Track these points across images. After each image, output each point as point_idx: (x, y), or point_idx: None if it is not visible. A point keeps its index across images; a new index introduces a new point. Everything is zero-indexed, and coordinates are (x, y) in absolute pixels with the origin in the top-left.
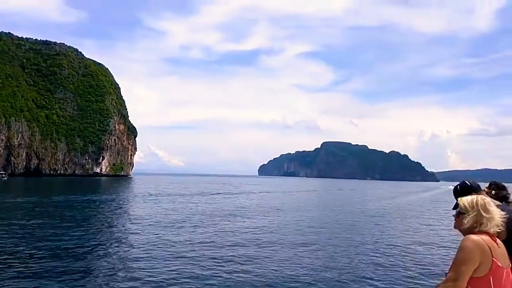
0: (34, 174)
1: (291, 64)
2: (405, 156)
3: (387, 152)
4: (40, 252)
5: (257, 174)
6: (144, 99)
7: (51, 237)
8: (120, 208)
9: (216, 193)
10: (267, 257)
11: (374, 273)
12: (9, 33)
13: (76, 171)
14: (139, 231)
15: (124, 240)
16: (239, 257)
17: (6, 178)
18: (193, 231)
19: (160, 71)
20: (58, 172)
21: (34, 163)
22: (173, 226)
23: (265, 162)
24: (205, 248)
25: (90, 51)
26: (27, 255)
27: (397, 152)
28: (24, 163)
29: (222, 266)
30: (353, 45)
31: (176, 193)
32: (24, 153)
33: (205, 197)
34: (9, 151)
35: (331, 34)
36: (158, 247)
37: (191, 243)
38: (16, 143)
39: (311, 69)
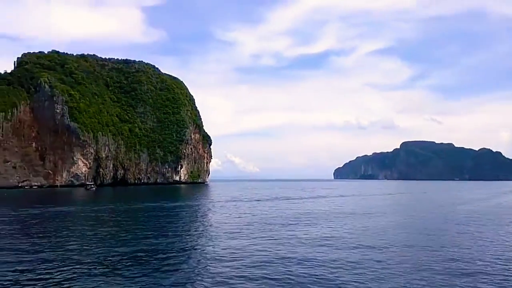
0: (121, 184)
1: (363, 63)
2: (498, 153)
3: (477, 149)
4: (130, 254)
5: (332, 177)
6: (219, 108)
7: (143, 240)
8: (200, 213)
9: (292, 198)
10: (352, 262)
11: None
12: (94, 55)
13: (158, 180)
14: (220, 235)
15: (207, 243)
16: (323, 262)
17: (94, 188)
18: (271, 235)
19: (233, 80)
20: (142, 181)
21: (120, 173)
22: (252, 230)
23: (340, 165)
24: (284, 250)
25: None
26: (121, 255)
27: (489, 149)
28: (112, 173)
29: (302, 269)
30: (430, 37)
31: (251, 198)
32: (111, 164)
33: (280, 202)
34: (98, 163)
35: (405, 28)
36: (240, 251)
37: (270, 247)
38: (103, 155)
39: (385, 66)
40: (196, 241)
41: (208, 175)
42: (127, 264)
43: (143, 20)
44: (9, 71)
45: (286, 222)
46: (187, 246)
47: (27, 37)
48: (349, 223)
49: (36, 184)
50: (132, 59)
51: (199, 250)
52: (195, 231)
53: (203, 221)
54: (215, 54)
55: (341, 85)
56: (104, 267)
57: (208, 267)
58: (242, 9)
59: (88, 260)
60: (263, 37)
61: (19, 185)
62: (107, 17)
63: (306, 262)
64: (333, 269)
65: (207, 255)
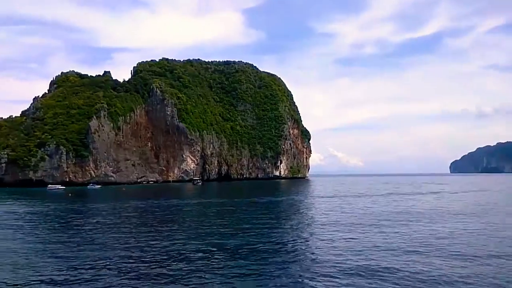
0: (225, 179)
1: (482, 42)
2: None
3: None
4: (239, 245)
5: (449, 171)
6: (320, 102)
7: (248, 232)
8: (302, 207)
9: (398, 193)
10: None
11: None
12: (198, 59)
13: (259, 175)
14: (322, 231)
15: (308, 239)
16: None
17: (200, 183)
18: (375, 233)
19: (333, 73)
20: (244, 176)
21: (224, 169)
22: (354, 226)
23: (458, 158)
24: (385, 252)
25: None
26: (232, 246)
27: None
28: (216, 169)
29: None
30: None
31: (353, 193)
32: (216, 161)
33: (386, 198)
34: (204, 160)
35: None
36: (343, 248)
37: (375, 245)
38: (209, 152)
39: (509, 45)
40: (301, 235)
41: (308, 170)
42: (240, 253)
43: (243, 22)
44: (127, 79)
45: (383, 220)
46: (290, 240)
47: (142, 47)
48: (468, 223)
49: (152, 179)
50: (232, 60)
51: (304, 245)
52: (299, 225)
53: (307, 216)
54: (314, 48)
55: (457, 69)
56: (222, 256)
57: (315, 263)
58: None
59: (203, 250)
60: (365, 25)
61: (138, 180)
62: (210, 23)
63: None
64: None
65: (315, 250)
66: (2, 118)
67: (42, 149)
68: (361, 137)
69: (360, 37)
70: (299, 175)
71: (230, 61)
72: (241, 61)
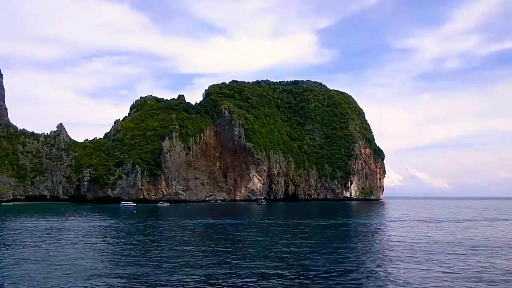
0: (292, 199)
1: None
2: None
3: None
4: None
5: None
6: (399, 120)
7: (312, 255)
8: (375, 232)
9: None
10: None
11: None
12: (266, 80)
13: (328, 196)
14: (399, 258)
15: (383, 266)
16: None
17: (264, 203)
18: (459, 263)
19: (412, 89)
20: (312, 196)
21: (291, 189)
22: (436, 254)
23: None
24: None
25: (341, 84)
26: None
27: None
28: (283, 189)
29: None
30: None
31: (436, 218)
32: (282, 180)
33: (479, 224)
34: (271, 179)
35: None
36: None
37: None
38: (275, 172)
39: None
40: (373, 261)
41: (382, 192)
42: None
43: (317, 42)
44: (198, 102)
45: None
46: (360, 265)
47: (218, 72)
48: None
49: (220, 198)
50: (300, 79)
51: (375, 271)
52: (371, 251)
53: (378, 240)
54: (391, 65)
55: None
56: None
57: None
58: (419, 14)
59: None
60: (447, 39)
61: (206, 199)
62: (283, 45)
63: None
64: None
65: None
66: (88, 139)
67: (120, 168)
68: (446, 157)
69: (442, 51)
70: (372, 197)
71: (298, 80)
72: (309, 80)
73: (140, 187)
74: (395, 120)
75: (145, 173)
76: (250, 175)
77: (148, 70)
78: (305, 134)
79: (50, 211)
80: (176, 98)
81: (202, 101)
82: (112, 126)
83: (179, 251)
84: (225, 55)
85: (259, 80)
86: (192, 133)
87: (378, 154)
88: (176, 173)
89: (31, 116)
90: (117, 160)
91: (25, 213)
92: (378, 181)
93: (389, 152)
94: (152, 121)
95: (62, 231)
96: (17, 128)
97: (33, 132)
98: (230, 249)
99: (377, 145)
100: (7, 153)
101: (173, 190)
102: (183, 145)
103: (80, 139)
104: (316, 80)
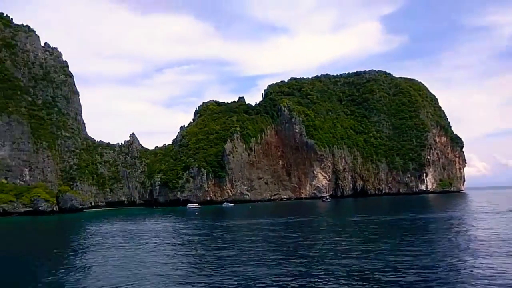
0: (361, 195)
1: None
2: None
3: None
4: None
5: None
6: (481, 104)
7: (391, 254)
8: (458, 225)
9: None
10: None
11: None
12: (326, 74)
13: (400, 190)
14: (485, 253)
15: (467, 261)
16: None
17: (329, 200)
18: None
19: (494, 69)
20: (383, 191)
21: (359, 185)
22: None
23: None
24: None
25: (412, 70)
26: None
27: None
28: (350, 185)
29: None
30: None
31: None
32: (349, 176)
33: None
34: (336, 175)
35: None
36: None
37: None
38: (341, 167)
39: None
40: (456, 256)
41: (463, 182)
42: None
43: (381, 30)
44: (258, 102)
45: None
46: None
47: (280, 72)
48: None
49: (285, 197)
50: (363, 70)
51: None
52: (453, 245)
53: (460, 234)
54: (467, 45)
55: None
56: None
57: None
58: None
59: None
60: None
61: (271, 198)
62: (346, 37)
63: None
64: None
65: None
66: (158, 146)
67: (187, 172)
68: None
69: None
70: (452, 188)
71: (360, 71)
72: (372, 70)
73: (206, 189)
74: (477, 104)
75: (210, 175)
76: (314, 172)
77: (214, 76)
78: (371, 127)
79: (125, 215)
80: (236, 100)
81: (261, 101)
82: (178, 132)
83: (247, 250)
84: (287, 53)
85: (319, 75)
86: (253, 133)
87: (456, 142)
88: (240, 173)
89: (109, 128)
90: (183, 164)
91: (105, 218)
92: (458, 171)
93: (472, 139)
94: (214, 125)
95: (137, 233)
96: (95, 140)
97: (109, 143)
98: (298, 248)
99: (455, 132)
100: (87, 163)
101: (238, 191)
102: (244, 146)
103: (151, 146)
104: (380, 69)
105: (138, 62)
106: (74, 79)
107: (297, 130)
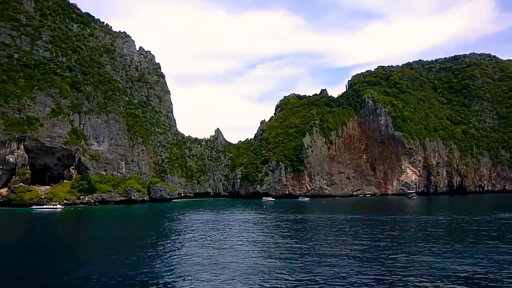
0: (458, 192)
1: None
2: None
3: None
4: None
5: None
6: None
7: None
8: None
9: None
10: None
11: None
12: (419, 60)
13: (507, 187)
14: None
15: None
16: None
17: (415, 197)
18: None
19: None
20: (485, 188)
21: (456, 181)
22: None
23: None
24: None
25: None
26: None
27: None
28: (446, 181)
29: None
30: None
31: None
32: (444, 171)
33: None
34: (428, 170)
35: None
36: None
37: None
38: (433, 162)
39: None
40: None
41: None
42: None
43: (494, 7)
44: (340, 94)
45: None
46: None
47: (374, 61)
48: None
49: (368, 193)
50: (462, 53)
51: None
52: None
53: None
54: None
55: None
56: None
57: None
58: None
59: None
60: None
61: (353, 194)
62: (451, 18)
63: None
64: None
65: None
66: (241, 141)
67: (266, 166)
68: None
69: None
70: None
71: (459, 55)
72: (473, 53)
73: (285, 183)
74: None
75: (288, 169)
76: (402, 166)
77: (306, 69)
78: (471, 116)
79: (207, 206)
80: (318, 93)
81: (344, 93)
82: (259, 127)
83: (320, 244)
84: (382, 41)
85: (411, 61)
86: (333, 126)
87: None
88: (319, 168)
89: (202, 124)
90: (263, 158)
91: (189, 208)
92: None
93: None
94: (294, 119)
95: (218, 222)
96: (184, 135)
97: (196, 138)
98: (375, 244)
99: None
100: (177, 157)
101: (317, 185)
102: (324, 139)
103: (238, 140)
104: (482, 52)
105: (232, 59)
106: (167, 79)
107: (382, 122)
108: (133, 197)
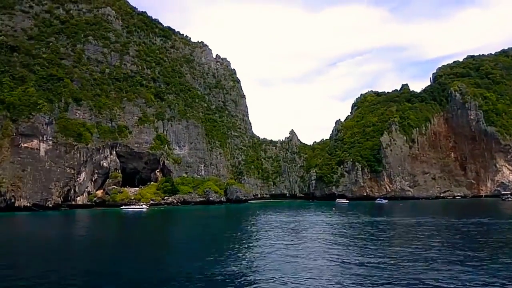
0: None
1: None
2: None
3: None
4: None
5: None
6: None
7: None
8: None
9: None
10: None
11: None
12: None
13: None
14: None
15: None
16: None
17: (511, 199)
18: None
19: None
20: None
21: None
22: None
23: None
24: None
25: None
26: None
27: None
28: None
29: None
30: None
31: None
32: None
33: None
34: None
35: None
36: None
37: None
38: None
39: None
40: None
41: None
42: None
43: None
44: (423, 88)
45: None
46: None
47: (467, 49)
48: None
49: (458, 194)
50: None
51: None
52: None
53: None
54: None
55: None
56: None
57: None
58: None
59: None
60: None
61: (440, 195)
62: None
63: None
64: None
65: None
66: (316, 142)
67: (341, 166)
68: None
69: None
70: None
71: None
72: None
73: (362, 184)
74: None
75: (365, 170)
76: (497, 165)
77: (391, 64)
78: None
79: (281, 207)
80: (399, 89)
81: (427, 87)
82: (334, 127)
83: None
84: (478, 28)
85: (505, 48)
86: (415, 124)
87: None
88: (399, 168)
89: (281, 125)
90: (338, 158)
91: (263, 208)
92: None
93: None
94: (371, 117)
95: (291, 223)
96: (259, 138)
97: (271, 140)
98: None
99: None
100: (252, 159)
101: (398, 186)
102: (405, 137)
103: (316, 141)
104: None
105: (312, 58)
106: (248, 82)
107: (472, 117)
108: (211, 198)
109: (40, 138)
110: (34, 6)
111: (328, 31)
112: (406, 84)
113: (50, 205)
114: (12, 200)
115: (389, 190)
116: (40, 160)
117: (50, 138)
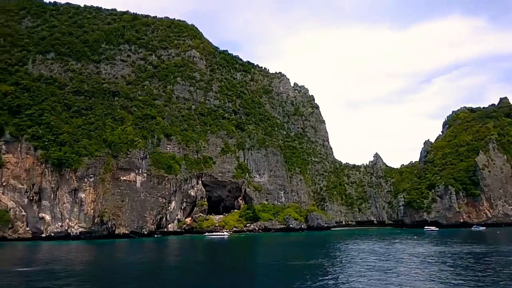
0: None
1: None
2: None
3: None
4: None
5: None
6: None
7: None
8: None
9: None
10: None
11: None
12: None
13: None
14: None
15: None
16: None
17: None
18: None
19: None
20: None
21: None
22: None
23: None
24: None
25: None
26: None
27: None
28: None
29: None
30: None
31: None
32: None
33: None
34: None
35: None
36: None
37: None
38: None
39: None
40: None
41: None
42: None
43: None
44: None
45: None
46: None
47: None
48: None
49: None
50: None
51: None
52: None
53: None
54: None
55: None
56: None
57: None
58: None
59: None
60: None
61: None
62: None
63: None
64: None
65: None
66: (403, 165)
67: (432, 191)
68: None
69: None
70: None
71: None
72: None
73: (457, 210)
74: None
75: (460, 193)
76: None
77: (494, 75)
78: None
79: (366, 235)
80: (496, 103)
81: None
82: (422, 148)
83: None
84: None
85: None
86: None
87: None
88: (501, 190)
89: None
90: (428, 182)
91: (348, 237)
92: None
93: None
94: (465, 135)
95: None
96: (341, 162)
97: (354, 165)
98: None
99: None
100: (335, 185)
101: (500, 211)
102: (505, 156)
103: (397, 165)
104: None
105: (402, 77)
106: (335, 106)
107: None
108: (291, 225)
109: (136, 171)
110: (131, 55)
111: (418, 47)
112: (505, 97)
113: (145, 232)
114: (113, 228)
115: (490, 216)
116: (136, 191)
117: (145, 171)
